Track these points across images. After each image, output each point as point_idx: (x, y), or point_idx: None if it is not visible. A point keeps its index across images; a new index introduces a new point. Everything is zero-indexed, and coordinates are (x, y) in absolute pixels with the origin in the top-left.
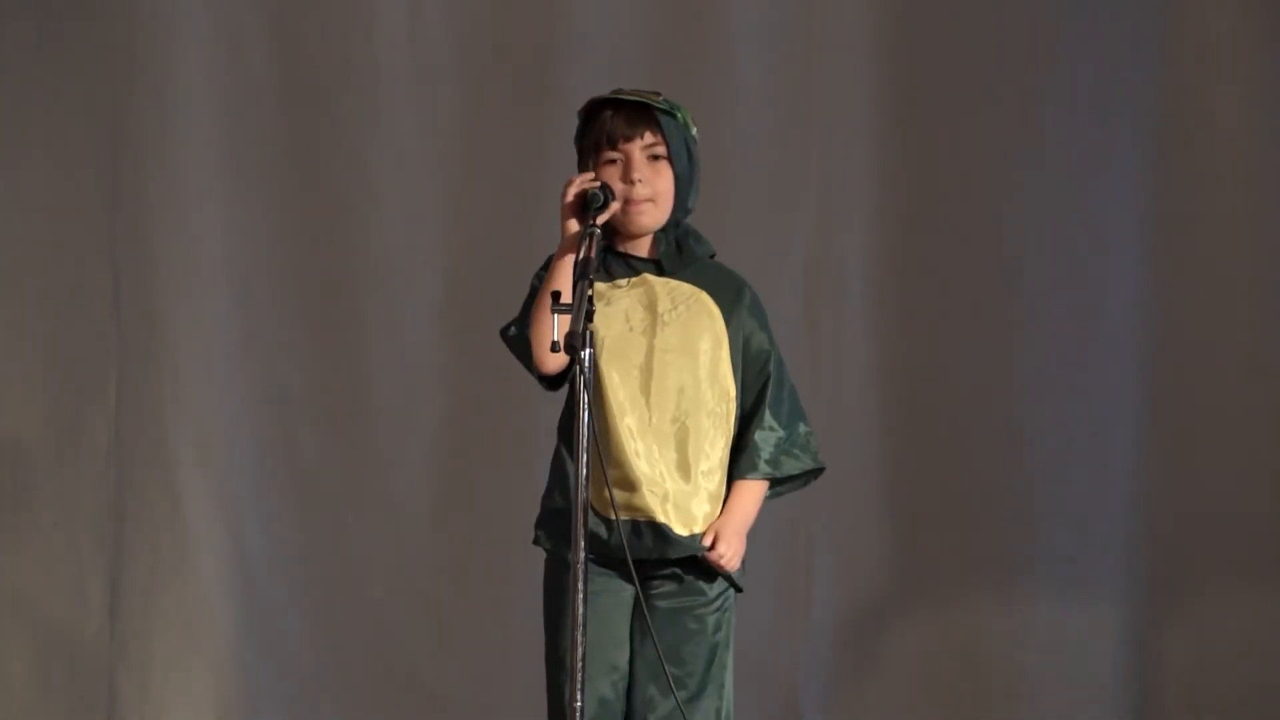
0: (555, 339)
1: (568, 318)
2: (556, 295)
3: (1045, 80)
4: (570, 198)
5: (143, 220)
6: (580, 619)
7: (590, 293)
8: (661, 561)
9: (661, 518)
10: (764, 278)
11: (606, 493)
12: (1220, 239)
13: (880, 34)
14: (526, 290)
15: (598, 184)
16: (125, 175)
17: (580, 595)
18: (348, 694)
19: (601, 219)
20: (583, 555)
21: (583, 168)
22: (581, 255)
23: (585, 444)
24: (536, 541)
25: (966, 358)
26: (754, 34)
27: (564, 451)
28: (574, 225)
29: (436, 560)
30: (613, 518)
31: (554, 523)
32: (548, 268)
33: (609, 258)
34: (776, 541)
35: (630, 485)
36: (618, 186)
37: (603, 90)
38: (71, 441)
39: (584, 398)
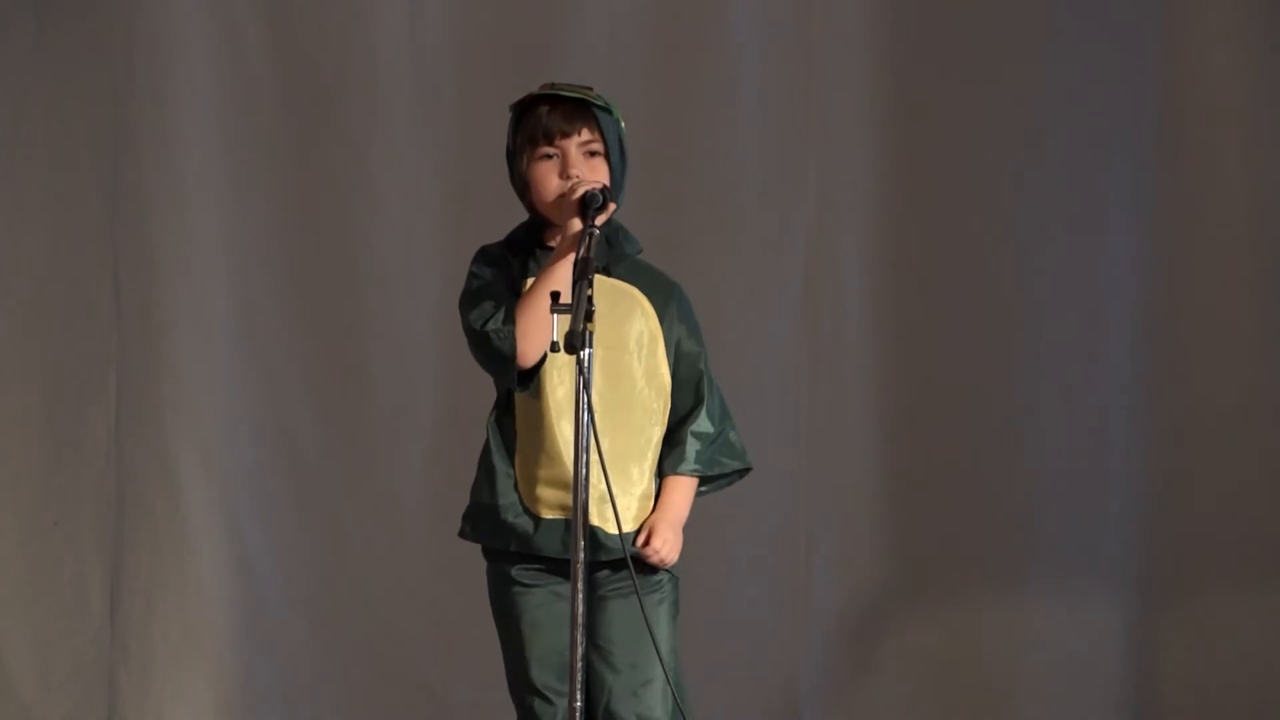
0: (555, 339)
1: (567, 317)
2: (556, 295)
3: (1045, 80)
4: (575, 197)
5: (143, 220)
6: (580, 619)
7: (590, 292)
8: (597, 563)
9: (595, 519)
10: (764, 277)
11: (538, 491)
12: (1220, 238)
13: (880, 34)
14: (469, 282)
15: (599, 185)
16: (125, 175)
17: (580, 595)
18: (348, 694)
19: (600, 220)
20: (582, 555)
21: (515, 163)
22: (580, 255)
23: (585, 443)
24: (463, 534)
25: (966, 358)
26: (754, 34)
27: (494, 448)
28: (576, 225)
29: (436, 560)
30: (545, 516)
31: (482, 519)
32: (487, 261)
33: (538, 253)
34: (776, 541)
35: (564, 484)
36: (555, 182)
37: (603, 89)
38: (71, 441)
39: (584, 398)
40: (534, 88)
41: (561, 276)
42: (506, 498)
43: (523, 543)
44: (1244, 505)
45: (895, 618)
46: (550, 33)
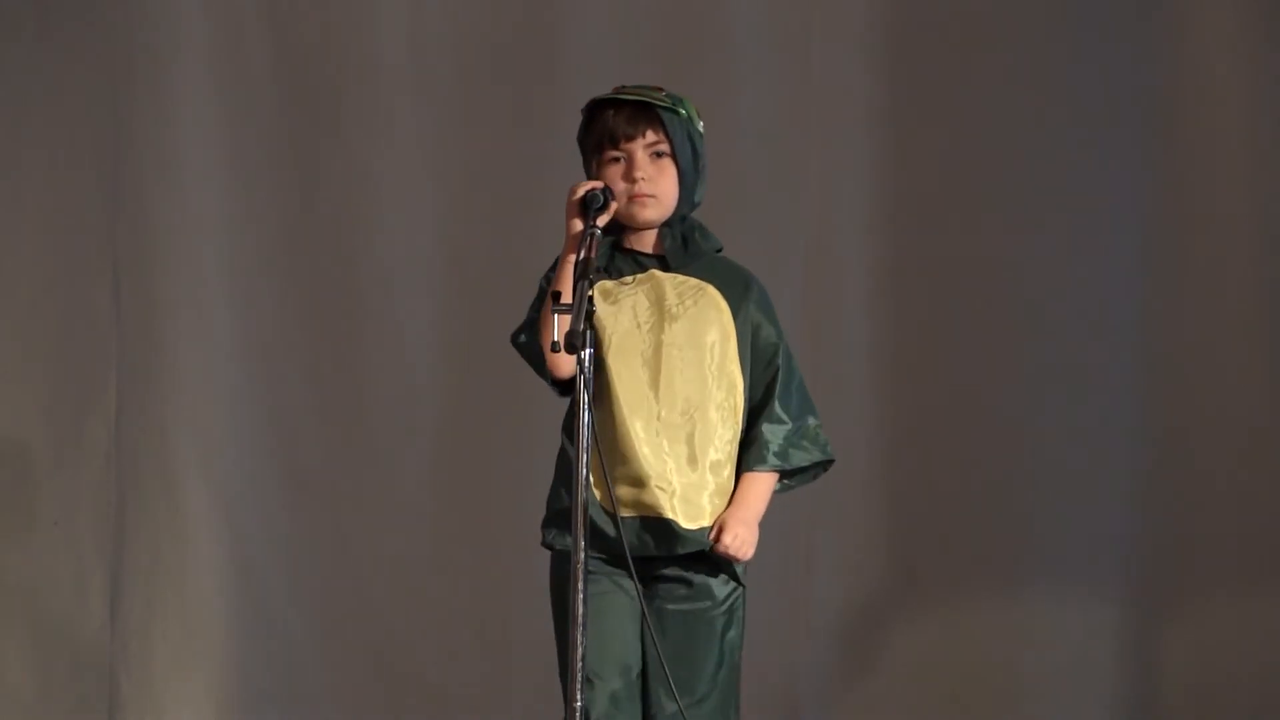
0: (555, 339)
1: (568, 318)
2: (557, 295)
3: (1045, 80)
4: (576, 197)
5: (143, 221)
6: (580, 618)
7: (591, 292)
8: (669, 559)
9: (669, 514)
10: (764, 277)
11: (612, 490)
12: (1220, 239)
13: (880, 34)
14: (535, 293)
15: (599, 185)
16: (125, 176)
17: (580, 595)
18: (348, 694)
19: (601, 220)
20: (582, 555)
21: (586, 167)
22: (581, 255)
23: (586, 443)
24: (545, 543)
25: (966, 357)
26: (754, 34)
27: (569, 451)
28: (577, 225)
29: (436, 560)
30: (619, 515)
31: (562, 522)
32: (555, 269)
33: (616, 255)
34: (777, 542)
35: (638, 481)
36: (620, 185)
37: (603, 91)
38: (71, 441)
39: (584, 397)
40: (534, 87)
41: (566, 277)
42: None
43: (603, 544)
44: (1244, 505)
45: (895, 618)
46: (550, 33)
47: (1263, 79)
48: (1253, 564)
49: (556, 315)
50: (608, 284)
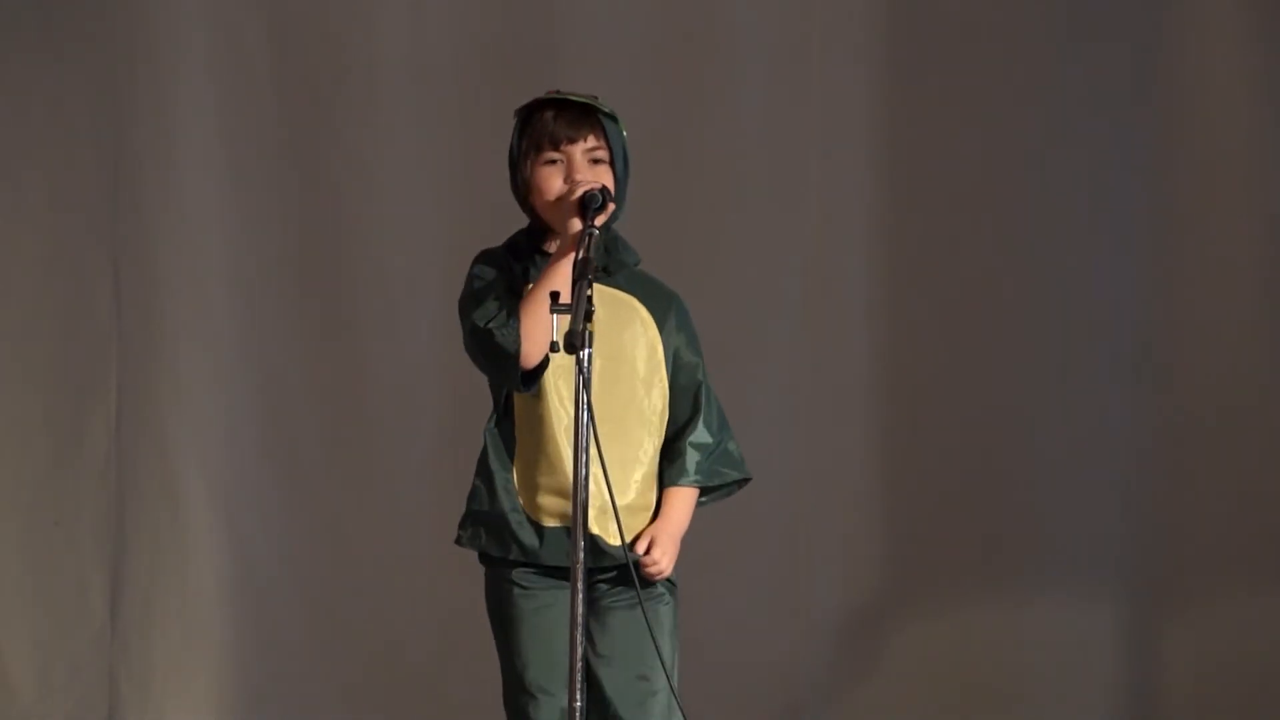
0: (555, 339)
1: (567, 317)
2: (555, 295)
3: (1044, 82)
4: (575, 197)
5: (143, 220)
6: (580, 619)
7: (590, 292)
8: (599, 569)
9: (595, 528)
10: (764, 277)
11: (539, 499)
12: (1220, 239)
13: (880, 34)
14: (479, 286)
15: (598, 186)
16: (125, 176)
17: (580, 597)
18: (348, 694)
19: (599, 220)
20: (581, 555)
21: (518, 169)
22: (581, 255)
23: (584, 443)
24: (459, 541)
25: (966, 358)
26: (754, 34)
27: (491, 455)
28: (576, 225)
29: (436, 561)
30: (549, 525)
31: (483, 527)
32: (489, 262)
33: (539, 259)
34: (776, 542)
35: (566, 492)
36: (559, 186)
37: (604, 92)
38: (71, 441)
39: (584, 397)
40: (535, 90)
41: (562, 277)
42: (508, 505)
43: (525, 552)
44: (1244, 505)
45: (895, 618)
46: (550, 34)
47: (1263, 79)
48: (1253, 564)
49: (555, 315)
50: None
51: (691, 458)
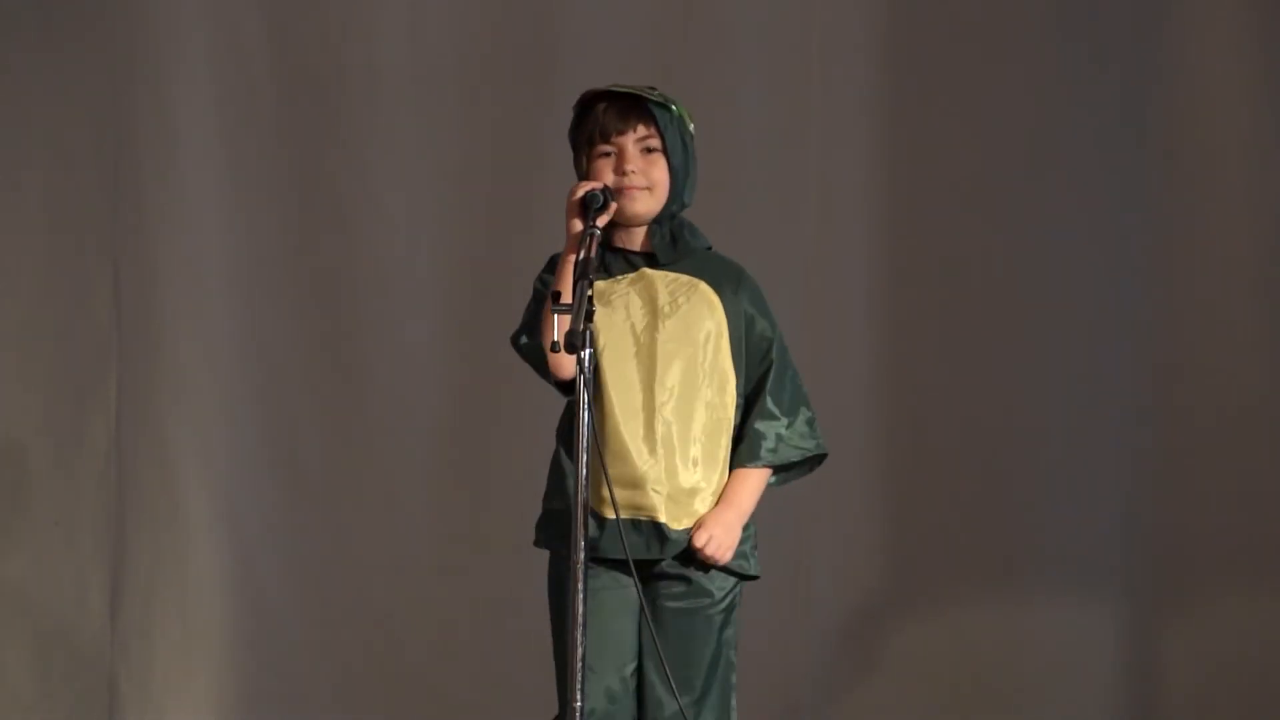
0: (555, 339)
1: (568, 318)
2: (557, 295)
3: (1045, 81)
4: (576, 198)
5: (143, 220)
6: (580, 618)
7: (590, 292)
8: (653, 561)
9: (662, 516)
10: (764, 278)
11: (605, 492)
12: (1221, 239)
13: (880, 34)
14: (531, 295)
15: (599, 186)
16: (126, 176)
17: (580, 595)
18: (348, 694)
19: (601, 220)
20: (582, 555)
21: (577, 162)
22: (581, 255)
23: (585, 443)
24: (538, 543)
25: (966, 358)
26: (754, 34)
27: (563, 454)
28: (577, 225)
29: (436, 560)
30: (610, 517)
31: (554, 524)
32: (551, 269)
33: (607, 254)
34: (777, 542)
35: (633, 482)
36: (610, 178)
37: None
38: (71, 441)
39: (584, 397)
40: (534, 88)
41: (566, 277)
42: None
43: (590, 545)
44: (1244, 505)
45: (895, 618)
46: (550, 33)
47: (1263, 79)
48: (1253, 564)
49: (556, 315)
50: (600, 284)
51: (760, 437)
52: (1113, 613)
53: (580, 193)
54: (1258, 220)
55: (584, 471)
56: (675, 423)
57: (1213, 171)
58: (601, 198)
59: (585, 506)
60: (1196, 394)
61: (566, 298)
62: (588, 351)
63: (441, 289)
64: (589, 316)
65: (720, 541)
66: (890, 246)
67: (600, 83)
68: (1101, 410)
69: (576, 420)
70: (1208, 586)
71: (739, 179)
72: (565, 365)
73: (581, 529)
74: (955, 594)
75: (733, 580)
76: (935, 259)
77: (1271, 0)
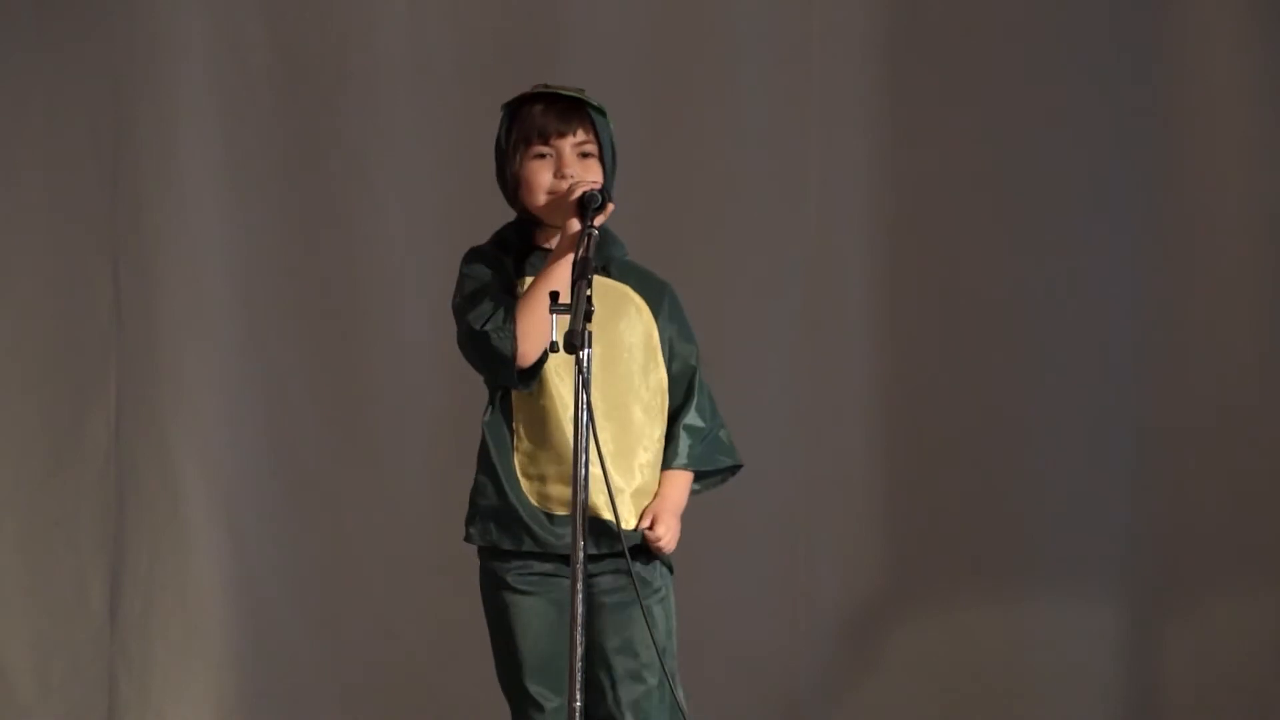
0: (554, 339)
1: (567, 317)
2: (555, 295)
3: (1045, 81)
4: (574, 197)
5: (143, 220)
6: (580, 618)
7: (589, 292)
8: (601, 555)
9: (606, 514)
10: (764, 277)
11: (547, 489)
12: (1220, 239)
13: (880, 34)
14: (467, 284)
15: (597, 185)
16: (125, 176)
17: (580, 595)
18: (348, 694)
19: (599, 220)
20: (582, 554)
21: (505, 162)
22: (580, 255)
23: (584, 443)
24: (469, 538)
25: (966, 358)
26: (754, 34)
27: (493, 450)
28: (575, 225)
29: (436, 560)
30: (554, 513)
31: (492, 519)
32: (481, 261)
33: (533, 255)
34: (777, 541)
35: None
36: (547, 181)
37: (604, 90)
38: (71, 441)
39: (584, 397)
40: (532, 87)
41: (561, 277)
42: (515, 497)
43: (539, 542)
44: (1244, 505)
45: (895, 618)
46: (550, 33)
47: (1263, 80)
48: (1252, 564)
49: (555, 315)
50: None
51: (685, 442)
52: (1113, 613)
53: (579, 192)
54: (1258, 221)
55: (583, 471)
56: (613, 423)
57: (1213, 172)
58: (600, 197)
59: (584, 505)
60: (1196, 393)
61: (564, 298)
62: (587, 351)
63: (442, 288)
64: (588, 316)
65: (675, 531)
66: (890, 246)
67: (599, 82)
68: (1101, 410)
69: (576, 421)
70: (1208, 587)
71: (739, 179)
72: (532, 356)
73: (581, 527)
74: (955, 594)
75: (665, 573)
76: (935, 258)
77: (1271, 0)
